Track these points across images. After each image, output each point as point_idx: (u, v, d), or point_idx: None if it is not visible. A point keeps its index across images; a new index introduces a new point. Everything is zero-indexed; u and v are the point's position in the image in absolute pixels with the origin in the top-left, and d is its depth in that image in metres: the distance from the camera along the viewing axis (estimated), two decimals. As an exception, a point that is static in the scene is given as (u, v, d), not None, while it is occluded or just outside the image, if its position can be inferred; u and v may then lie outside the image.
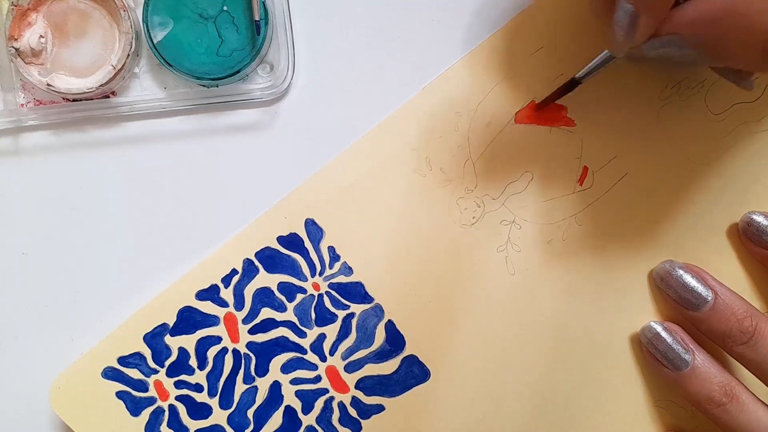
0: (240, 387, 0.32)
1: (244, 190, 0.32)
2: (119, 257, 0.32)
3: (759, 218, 0.30)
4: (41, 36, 0.30)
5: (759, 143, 0.31)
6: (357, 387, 0.32)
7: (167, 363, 0.32)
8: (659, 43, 0.25)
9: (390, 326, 0.32)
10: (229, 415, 0.32)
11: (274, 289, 0.32)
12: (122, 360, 0.32)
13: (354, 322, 0.32)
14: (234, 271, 0.32)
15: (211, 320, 0.32)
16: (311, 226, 0.32)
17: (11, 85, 0.31)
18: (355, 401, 0.32)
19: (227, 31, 0.30)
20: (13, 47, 0.30)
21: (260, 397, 0.32)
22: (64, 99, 0.31)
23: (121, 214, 0.32)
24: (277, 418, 0.32)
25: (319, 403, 0.32)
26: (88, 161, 0.32)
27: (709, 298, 0.29)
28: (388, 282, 0.32)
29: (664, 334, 0.30)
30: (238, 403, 0.32)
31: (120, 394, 0.32)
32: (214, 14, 0.30)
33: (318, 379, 0.32)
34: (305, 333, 0.32)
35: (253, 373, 0.32)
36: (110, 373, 0.32)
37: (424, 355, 0.32)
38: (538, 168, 0.31)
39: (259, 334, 0.32)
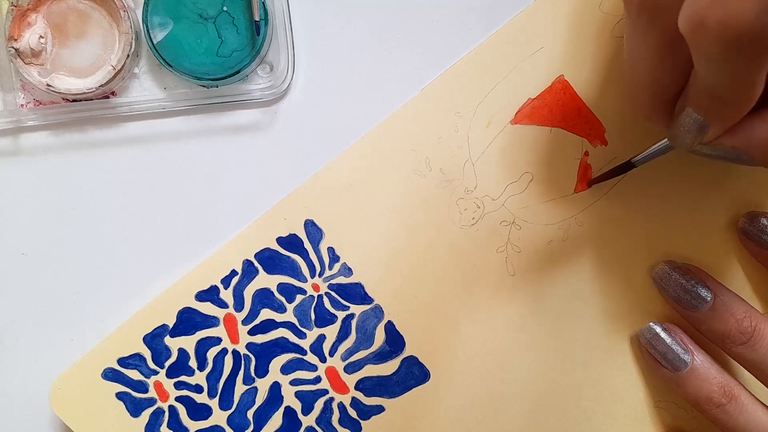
0: (240, 388, 0.32)
1: (244, 190, 0.32)
2: (119, 258, 0.32)
3: (759, 218, 0.30)
4: (41, 36, 0.30)
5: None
6: (357, 388, 0.32)
7: (167, 364, 0.32)
8: (726, 152, 0.24)
9: (390, 327, 0.32)
10: (229, 415, 0.32)
11: (274, 290, 0.32)
12: (122, 361, 0.32)
13: (354, 323, 0.32)
14: (234, 272, 0.32)
15: (210, 321, 0.32)
16: (311, 227, 0.32)
17: (11, 85, 0.31)
18: (354, 402, 0.32)
19: (227, 31, 0.30)
20: (12, 47, 0.30)
21: (260, 398, 0.32)
22: (63, 99, 0.31)
23: (120, 214, 0.32)
24: (276, 419, 0.32)
25: (319, 404, 0.32)
26: (88, 161, 0.32)
27: (708, 299, 0.29)
28: (387, 283, 0.32)
29: (663, 334, 0.30)
30: (237, 404, 0.32)
31: (120, 395, 0.32)
32: (214, 14, 0.30)
33: (318, 380, 0.32)
34: (305, 334, 0.32)
35: (252, 374, 0.32)
36: (110, 374, 0.32)
37: (423, 356, 0.32)
38: (538, 168, 0.31)
39: (259, 335, 0.32)
